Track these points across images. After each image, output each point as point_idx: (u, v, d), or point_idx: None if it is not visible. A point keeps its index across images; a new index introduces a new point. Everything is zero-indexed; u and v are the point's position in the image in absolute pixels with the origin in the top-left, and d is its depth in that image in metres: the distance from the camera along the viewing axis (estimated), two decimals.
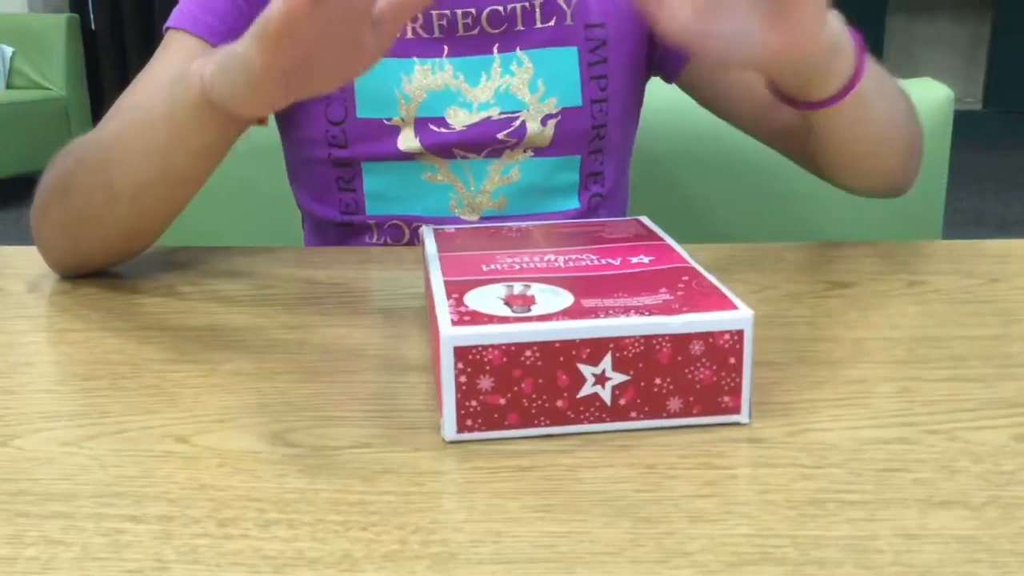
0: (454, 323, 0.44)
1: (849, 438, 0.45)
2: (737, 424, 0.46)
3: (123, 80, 4.73)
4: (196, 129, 0.61)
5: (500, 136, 0.82)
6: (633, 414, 0.45)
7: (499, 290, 0.49)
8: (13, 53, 4.36)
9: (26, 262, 0.77)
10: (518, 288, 0.49)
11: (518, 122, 0.82)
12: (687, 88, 0.89)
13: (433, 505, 0.40)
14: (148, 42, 4.76)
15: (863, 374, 0.52)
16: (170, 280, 0.71)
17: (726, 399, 0.46)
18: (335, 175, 0.85)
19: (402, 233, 0.86)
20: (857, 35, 0.64)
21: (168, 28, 0.79)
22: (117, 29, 4.87)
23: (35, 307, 0.67)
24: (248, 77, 0.54)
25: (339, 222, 0.87)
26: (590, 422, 0.45)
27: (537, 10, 0.82)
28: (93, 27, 4.84)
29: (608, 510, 0.39)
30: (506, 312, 0.45)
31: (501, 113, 0.82)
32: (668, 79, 0.89)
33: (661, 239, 0.57)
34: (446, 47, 0.81)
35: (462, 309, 0.46)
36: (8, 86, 4.37)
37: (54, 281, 0.71)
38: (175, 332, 0.60)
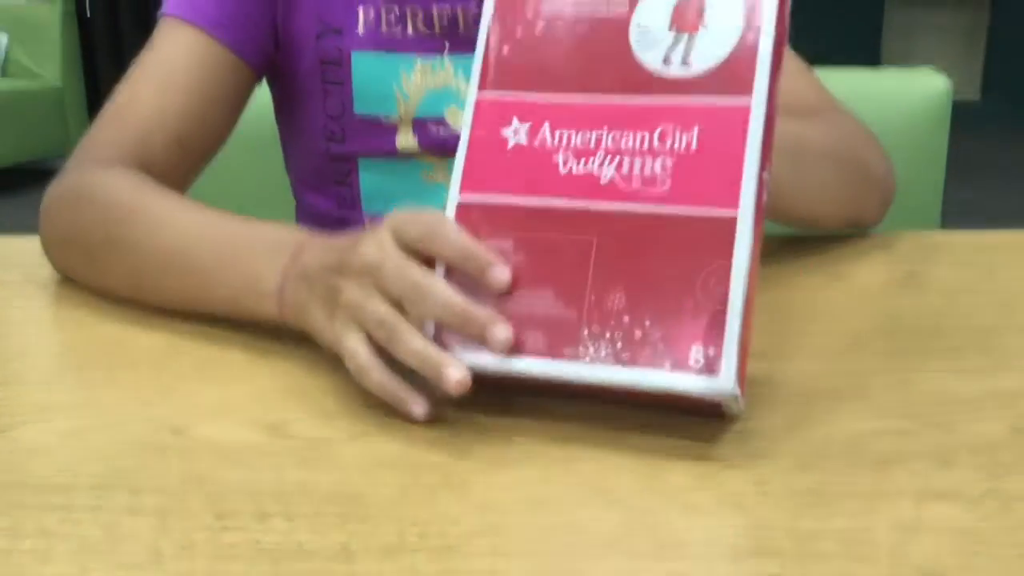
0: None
1: (846, 430, 0.45)
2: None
3: (119, 68, 4.71)
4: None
5: None
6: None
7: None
8: (8, 40, 4.35)
9: (23, 252, 0.76)
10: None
11: None
12: None
13: (430, 498, 0.40)
14: (144, 30, 4.73)
15: (861, 366, 0.52)
16: None
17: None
18: (332, 168, 0.84)
19: None
20: None
21: (163, 15, 0.78)
22: (112, 17, 4.85)
23: (31, 298, 0.67)
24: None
25: (335, 217, 0.86)
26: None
27: None
28: (88, 15, 4.83)
29: (603, 501, 0.39)
30: None
31: None
32: None
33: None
34: (447, 44, 0.80)
35: None
36: (3, 74, 4.35)
37: (50, 272, 0.71)
38: (172, 324, 0.60)
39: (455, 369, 0.44)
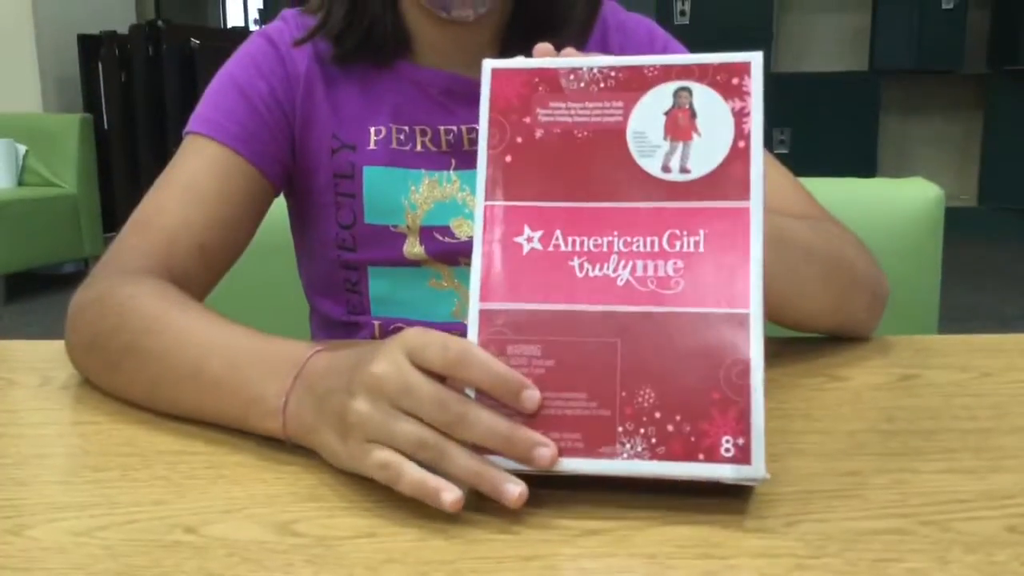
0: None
1: (845, 529, 0.46)
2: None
3: (134, 178, 4.83)
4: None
5: None
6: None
7: None
8: (26, 151, 4.46)
9: (40, 356, 0.78)
10: None
11: None
12: None
13: None
14: (159, 141, 4.88)
15: (858, 466, 0.53)
16: None
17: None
18: (343, 276, 0.87)
19: None
20: None
21: (187, 133, 0.82)
22: (130, 129, 4.98)
23: (47, 400, 0.69)
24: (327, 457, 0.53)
25: (345, 321, 0.89)
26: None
27: None
28: (106, 126, 4.96)
29: None
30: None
31: None
32: None
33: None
34: (453, 160, 0.84)
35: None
36: (20, 183, 4.45)
37: (65, 374, 0.73)
38: (184, 424, 0.62)
39: (514, 485, 0.46)
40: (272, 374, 0.57)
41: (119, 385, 0.66)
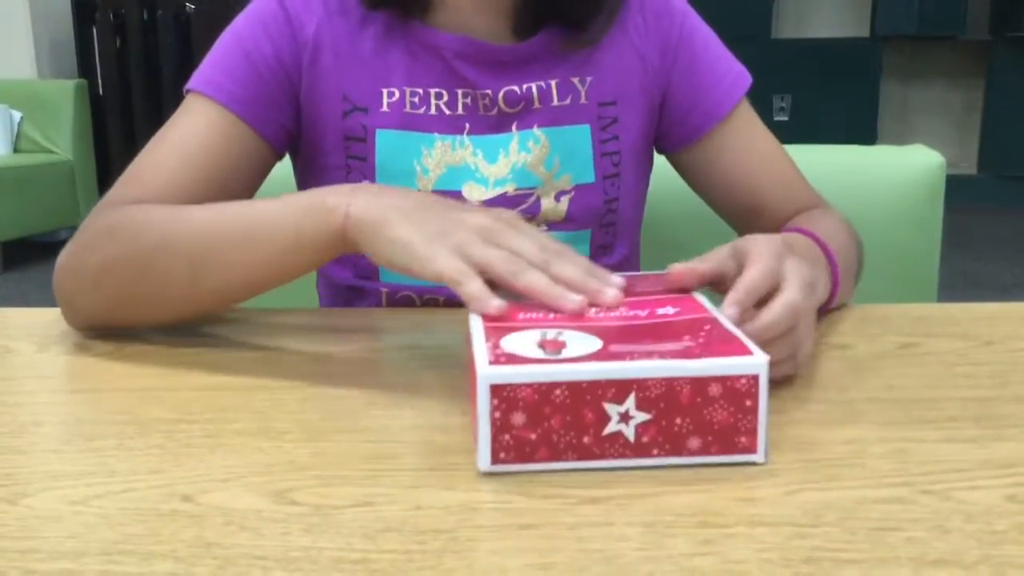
0: (491, 363, 0.47)
1: (844, 497, 0.46)
2: (750, 465, 0.49)
3: (130, 144, 4.80)
4: (315, 256, 0.66)
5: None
6: (655, 451, 0.48)
7: (534, 335, 0.52)
8: (21, 118, 4.43)
9: (33, 323, 0.78)
10: (551, 334, 0.52)
11: (532, 198, 0.84)
12: (677, 167, 0.92)
13: (435, 563, 0.40)
14: (155, 107, 4.84)
15: (858, 434, 0.53)
16: (177, 340, 0.72)
17: (743, 439, 0.48)
18: None
19: (412, 303, 0.87)
20: (833, 262, 0.73)
21: (188, 90, 0.81)
22: (124, 94, 4.95)
23: (43, 368, 0.69)
24: (405, 255, 0.61)
25: (352, 286, 0.88)
26: (614, 458, 0.48)
27: (554, 88, 0.84)
28: (101, 92, 4.92)
29: (608, 568, 0.40)
30: (539, 354, 0.49)
31: (517, 189, 0.84)
32: (661, 152, 0.92)
33: (688, 292, 0.60)
34: (467, 124, 0.83)
35: (499, 351, 0.49)
36: (15, 150, 4.42)
37: (61, 342, 0.72)
38: (181, 392, 0.61)
39: (613, 290, 0.57)
40: (328, 190, 0.65)
41: (152, 287, 0.69)
